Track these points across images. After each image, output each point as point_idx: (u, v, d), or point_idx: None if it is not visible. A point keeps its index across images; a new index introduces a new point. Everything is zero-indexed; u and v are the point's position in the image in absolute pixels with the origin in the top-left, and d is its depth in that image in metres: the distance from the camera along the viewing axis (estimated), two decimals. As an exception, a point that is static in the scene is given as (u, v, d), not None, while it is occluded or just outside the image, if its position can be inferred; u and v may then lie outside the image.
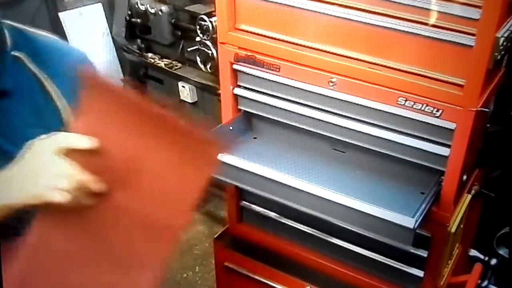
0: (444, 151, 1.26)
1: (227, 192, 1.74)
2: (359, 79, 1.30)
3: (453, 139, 1.23)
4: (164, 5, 2.56)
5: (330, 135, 1.43)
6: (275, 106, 1.49)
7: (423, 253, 1.40)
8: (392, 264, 1.45)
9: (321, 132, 1.45)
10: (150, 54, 2.78)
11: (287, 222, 1.61)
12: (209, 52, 2.32)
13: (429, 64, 1.22)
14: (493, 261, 1.65)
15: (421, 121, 1.26)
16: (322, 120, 1.41)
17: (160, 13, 2.56)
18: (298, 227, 1.59)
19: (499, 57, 1.14)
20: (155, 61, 2.74)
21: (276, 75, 1.44)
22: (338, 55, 1.33)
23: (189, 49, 2.50)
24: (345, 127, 1.38)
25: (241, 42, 1.46)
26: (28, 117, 1.04)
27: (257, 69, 1.46)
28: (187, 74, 2.60)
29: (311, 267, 1.60)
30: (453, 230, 1.35)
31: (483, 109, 1.20)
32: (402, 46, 1.24)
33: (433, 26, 1.18)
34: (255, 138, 1.63)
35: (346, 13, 1.28)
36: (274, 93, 1.49)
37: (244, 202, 1.70)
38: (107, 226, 0.95)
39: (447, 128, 1.23)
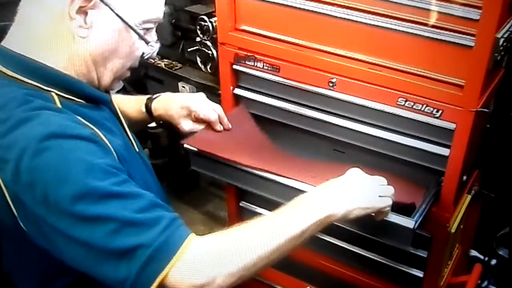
0: (444, 151, 1.26)
1: (227, 192, 1.74)
2: (359, 79, 1.30)
3: (453, 139, 1.23)
4: (164, 6, 2.56)
5: (330, 135, 1.43)
6: (275, 107, 1.49)
7: (423, 254, 1.40)
8: (392, 265, 1.45)
9: (321, 133, 1.45)
10: (150, 55, 2.79)
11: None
12: (209, 52, 2.32)
13: (429, 65, 1.22)
14: (493, 262, 1.65)
15: (421, 122, 1.26)
16: (322, 121, 1.41)
17: (160, 13, 2.56)
18: (298, 228, 1.58)
19: (499, 57, 1.14)
20: (155, 62, 2.73)
21: (276, 75, 1.44)
22: (338, 55, 1.33)
23: (189, 50, 2.50)
24: (345, 128, 1.38)
25: (241, 43, 1.46)
26: None
27: (257, 70, 1.47)
28: (187, 74, 2.59)
29: (311, 267, 1.60)
30: (453, 230, 1.35)
31: (483, 109, 1.20)
32: (402, 47, 1.24)
33: (433, 26, 1.18)
34: (255, 138, 1.63)
35: (346, 13, 1.28)
36: (274, 94, 1.49)
37: (244, 202, 1.70)
38: None
39: (447, 129, 1.23)
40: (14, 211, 0.93)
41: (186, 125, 1.42)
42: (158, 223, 0.89)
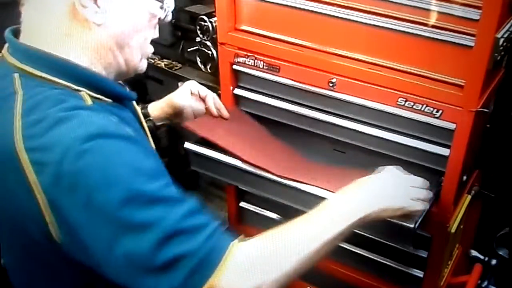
0: (444, 151, 1.26)
1: (227, 192, 1.74)
2: (359, 79, 1.30)
3: (453, 139, 1.23)
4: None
5: (330, 135, 1.43)
6: (275, 107, 1.49)
7: (423, 254, 1.40)
8: (392, 265, 1.45)
9: (321, 133, 1.45)
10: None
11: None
12: (209, 52, 2.32)
13: (429, 65, 1.22)
14: (493, 262, 1.65)
15: (421, 122, 1.26)
16: (322, 121, 1.41)
17: (160, 13, 2.56)
18: (298, 228, 1.58)
19: (498, 57, 1.14)
20: (155, 62, 2.73)
21: (276, 75, 1.44)
22: (338, 55, 1.34)
23: (189, 50, 2.49)
24: (345, 128, 1.38)
25: (241, 43, 1.46)
26: None
27: (257, 70, 1.47)
28: (187, 74, 2.59)
29: (311, 267, 1.60)
30: (453, 230, 1.35)
31: (483, 109, 1.20)
32: (402, 47, 1.24)
33: (433, 26, 1.18)
34: (255, 138, 1.63)
35: (346, 13, 1.28)
36: (274, 94, 1.49)
37: (244, 202, 1.70)
38: None
39: (447, 129, 1.23)
40: (48, 218, 0.87)
41: (187, 100, 1.47)
42: (202, 230, 0.86)
